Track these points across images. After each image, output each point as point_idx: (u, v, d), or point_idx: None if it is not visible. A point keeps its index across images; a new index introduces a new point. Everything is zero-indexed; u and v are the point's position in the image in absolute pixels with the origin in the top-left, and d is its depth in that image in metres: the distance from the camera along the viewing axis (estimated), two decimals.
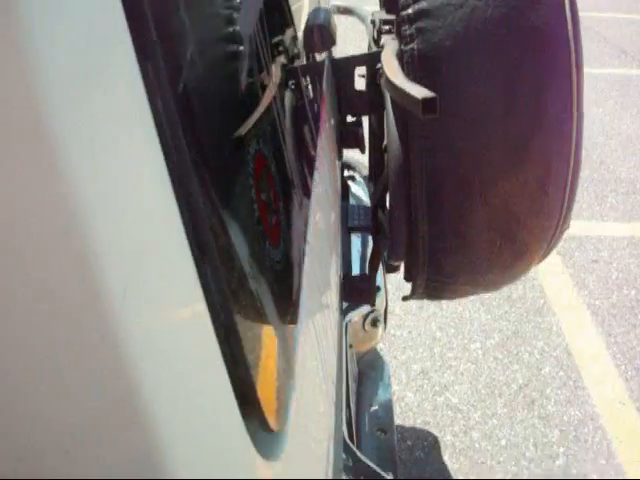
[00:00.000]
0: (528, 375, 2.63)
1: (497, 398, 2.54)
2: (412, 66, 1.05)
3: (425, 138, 1.06)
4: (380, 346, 2.72)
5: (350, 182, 2.10)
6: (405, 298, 1.44)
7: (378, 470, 1.28)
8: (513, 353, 2.72)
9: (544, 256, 1.24)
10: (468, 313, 2.91)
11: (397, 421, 2.47)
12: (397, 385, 2.57)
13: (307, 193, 0.76)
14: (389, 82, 1.01)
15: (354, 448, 1.30)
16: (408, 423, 2.44)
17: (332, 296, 0.96)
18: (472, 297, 3.00)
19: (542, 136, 1.04)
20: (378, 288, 1.59)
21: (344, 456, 1.29)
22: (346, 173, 2.14)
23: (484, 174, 1.05)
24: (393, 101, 1.13)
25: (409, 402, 2.52)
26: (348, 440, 1.32)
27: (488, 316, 2.89)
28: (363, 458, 1.29)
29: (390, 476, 1.31)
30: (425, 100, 0.87)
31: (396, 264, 1.31)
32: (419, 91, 0.90)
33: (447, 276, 1.22)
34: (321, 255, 0.93)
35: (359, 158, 2.28)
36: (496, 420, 2.46)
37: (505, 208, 1.08)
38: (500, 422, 2.45)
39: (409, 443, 2.37)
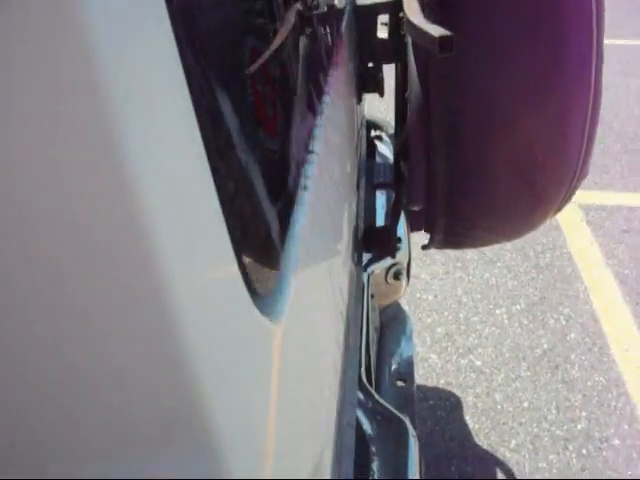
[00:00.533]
0: (553, 340, 2.63)
1: (521, 362, 2.55)
2: (433, 7, 1.06)
3: (445, 77, 1.07)
4: (405, 308, 2.75)
5: (377, 141, 2.12)
6: (425, 247, 1.46)
7: (394, 411, 1.30)
8: (539, 319, 2.72)
9: (563, 204, 1.25)
10: (495, 279, 2.91)
11: (420, 381, 2.50)
12: (421, 347, 2.60)
13: (314, 120, 0.78)
14: (409, 22, 1.03)
15: (371, 390, 1.33)
16: (431, 383, 2.47)
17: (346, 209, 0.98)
18: (499, 264, 3.00)
19: (562, 76, 1.04)
20: (399, 239, 1.61)
21: (362, 397, 1.32)
22: (373, 133, 2.16)
23: (503, 114, 1.07)
24: (414, 43, 1.14)
25: (432, 363, 2.54)
26: (366, 383, 1.35)
27: (515, 282, 2.90)
28: (380, 400, 1.32)
29: (407, 420, 1.33)
30: (442, 38, 0.88)
31: (416, 209, 1.33)
32: (436, 30, 0.92)
33: (466, 221, 1.24)
34: (330, 178, 0.95)
35: (386, 118, 2.29)
36: (519, 383, 2.47)
37: (524, 150, 1.09)
38: (523, 385, 2.46)
39: (431, 402, 2.40)
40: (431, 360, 2.55)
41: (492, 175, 1.13)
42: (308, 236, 0.56)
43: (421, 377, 2.49)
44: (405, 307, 2.74)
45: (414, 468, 1.24)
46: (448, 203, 1.20)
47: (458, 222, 1.24)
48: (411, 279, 2.90)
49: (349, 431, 1.15)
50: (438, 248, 1.45)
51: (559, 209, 1.27)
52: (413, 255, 3.03)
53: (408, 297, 2.81)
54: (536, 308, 2.77)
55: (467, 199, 1.18)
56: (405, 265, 1.73)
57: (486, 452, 2.26)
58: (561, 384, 2.47)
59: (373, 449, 1.23)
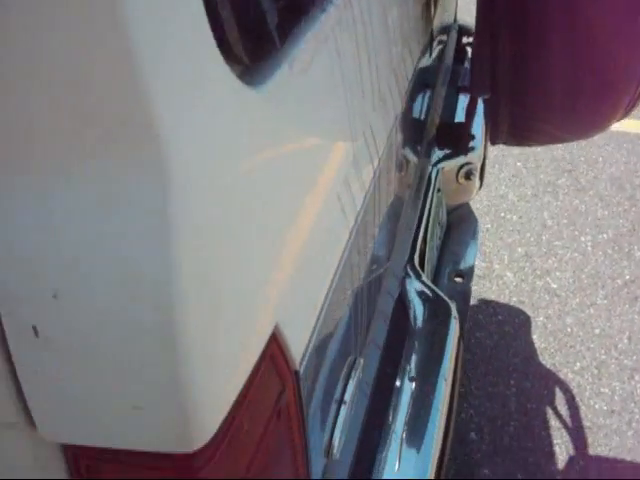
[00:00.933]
0: (637, 272, 2.57)
1: (599, 290, 2.51)
2: None
3: None
4: (487, 226, 2.74)
5: (468, 48, 2.09)
6: (492, 141, 1.47)
7: (440, 293, 1.34)
8: (624, 250, 2.65)
9: (634, 100, 1.22)
10: (584, 207, 2.85)
11: (491, 297, 2.51)
12: (498, 264, 2.60)
13: None
14: None
15: (420, 271, 1.36)
16: (502, 300, 2.47)
17: None
18: (591, 192, 2.92)
19: None
20: (472, 137, 1.61)
21: (412, 276, 1.35)
22: (465, 39, 2.13)
23: None
24: None
25: (507, 281, 2.54)
26: (417, 265, 1.39)
27: (605, 212, 2.82)
28: (427, 281, 1.36)
29: (452, 304, 1.36)
30: None
31: (482, 96, 1.33)
32: None
33: (528, 109, 1.23)
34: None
35: None
36: (593, 310, 2.44)
37: (588, 33, 1.07)
38: (597, 312, 2.43)
39: (500, 318, 2.41)
40: (506, 278, 2.55)
41: (555, 59, 1.11)
42: (314, 46, 0.59)
43: (493, 293, 2.50)
44: (487, 225, 2.74)
45: (452, 348, 1.28)
46: (511, 89, 1.20)
47: (521, 111, 1.24)
48: (497, 199, 2.88)
49: (387, 298, 1.20)
50: (505, 143, 1.45)
51: (630, 106, 1.23)
52: (503, 175, 3.00)
53: (492, 216, 2.79)
54: (623, 239, 2.70)
55: (530, 84, 1.17)
56: (478, 166, 1.73)
57: (548, 371, 2.26)
58: (637, 316, 2.42)
59: (414, 324, 1.28)
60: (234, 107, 0.48)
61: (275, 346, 0.56)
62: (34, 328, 0.44)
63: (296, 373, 0.63)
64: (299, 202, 0.58)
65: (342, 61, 0.66)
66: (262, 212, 0.52)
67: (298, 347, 0.62)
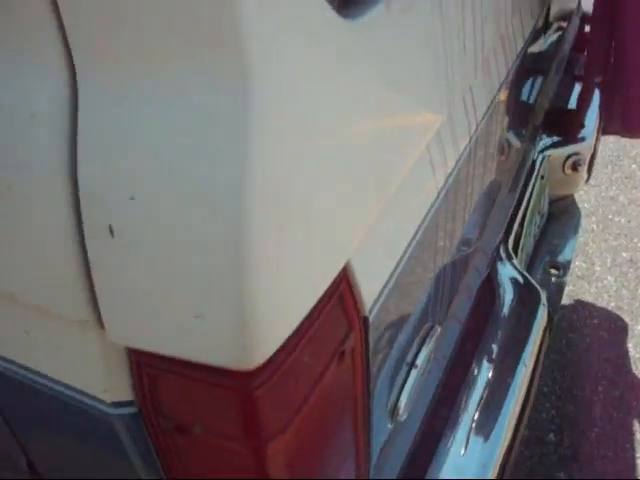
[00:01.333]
0: None
1: None
2: None
3: None
4: (592, 227, 2.64)
5: None
6: (605, 131, 1.41)
7: (531, 279, 1.30)
8: None
9: None
10: None
11: (589, 299, 2.42)
12: (599, 267, 2.50)
13: None
14: None
15: (512, 254, 1.33)
16: (600, 304, 2.38)
17: None
18: None
19: None
20: (583, 126, 1.55)
21: (504, 258, 1.32)
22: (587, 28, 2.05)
23: None
24: None
25: (607, 285, 2.44)
26: (510, 249, 1.35)
27: None
28: (518, 266, 1.32)
29: (544, 293, 1.32)
30: None
31: (597, 79, 1.28)
32: None
33: None
34: None
35: None
36: None
37: None
38: None
39: (595, 321, 2.32)
40: (607, 281, 2.45)
41: None
42: None
43: (591, 295, 2.41)
44: (593, 225, 2.64)
45: (537, 335, 1.24)
46: (626, 76, 1.14)
47: (636, 99, 1.18)
48: (607, 200, 2.77)
49: (474, 275, 1.18)
50: (618, 134, 1.39)
51: None
52: (616, 177, 2.88)
53: (599, 216, 2.69)
54: None
55: None
56: (587, 158, 1.66)
57: None
58: None
59: (500, 305, 1.25)
60: (324, 33, 0.48)
61: (345, 284, 0.56)
62: (110, 228, 0.46)
63: (365, 319, 0.62)
64: (384, 140, 0.57)
65: (443, 10, 0.65)
66: (344, 144, 0.52)
67: (370, 293, 0.62)
